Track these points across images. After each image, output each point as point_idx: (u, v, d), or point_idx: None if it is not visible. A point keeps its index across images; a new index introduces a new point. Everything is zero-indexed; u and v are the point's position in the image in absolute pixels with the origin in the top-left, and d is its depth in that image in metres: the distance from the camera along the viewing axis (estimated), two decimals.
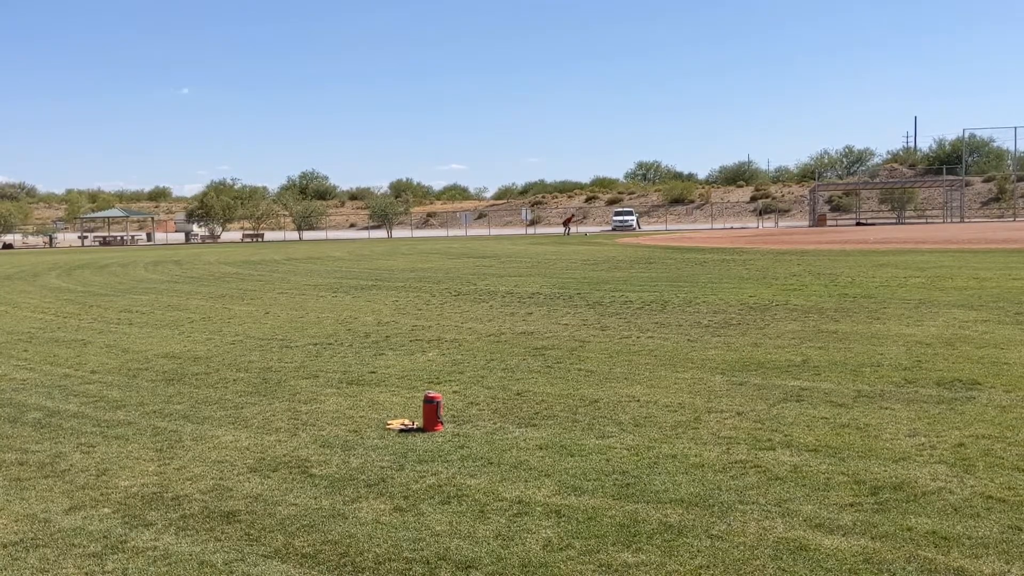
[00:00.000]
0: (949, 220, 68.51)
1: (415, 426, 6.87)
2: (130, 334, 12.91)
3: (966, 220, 67.00)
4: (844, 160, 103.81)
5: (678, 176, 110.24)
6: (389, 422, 7.06)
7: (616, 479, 5.48)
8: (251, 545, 4.59)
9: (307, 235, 71.65)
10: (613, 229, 68.00)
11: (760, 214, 76.80)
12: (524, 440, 6.44)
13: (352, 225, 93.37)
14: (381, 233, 74.29)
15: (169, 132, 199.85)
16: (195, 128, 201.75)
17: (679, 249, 33.71)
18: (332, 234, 74.82)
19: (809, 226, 66.15)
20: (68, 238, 75.48)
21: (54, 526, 4.96)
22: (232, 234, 76.61)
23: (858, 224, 67.31)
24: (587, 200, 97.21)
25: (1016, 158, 78.10)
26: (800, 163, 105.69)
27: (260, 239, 67.11)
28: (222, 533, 4.77)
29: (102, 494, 5.49)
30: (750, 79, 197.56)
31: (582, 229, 71.86)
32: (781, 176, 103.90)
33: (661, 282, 19.02)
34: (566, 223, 62.76)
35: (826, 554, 4.26)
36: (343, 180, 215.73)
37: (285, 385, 8.74)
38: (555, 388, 8.20)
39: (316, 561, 4.37)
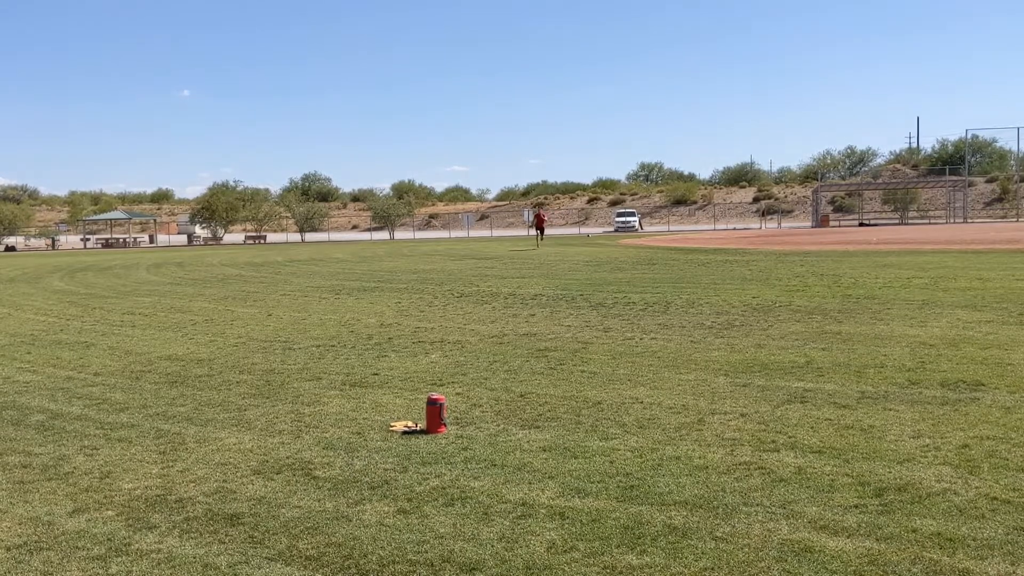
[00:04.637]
0: (952, 221, 68.44)
1: (418, 428, 6.86)
2: (133, 336, 12.92)
3: (969, 221, 66.93)
4: (847, 161, 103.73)
5: (680, 177, 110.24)
6: (392, 424, 7.05)
7: (620, 481, 5.47)
8: (255, 547, 4.59)
9: (309, 237, 71.72)
10: (615, 230, 68.01)
11: (763, 215, 76.78)
12: (527, 442, 6.43)
13: (354, 227, 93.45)
14: (383, 235, 74.33)
15: (171, 134, 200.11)
16: (197, 130, 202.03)
17: (682, 250, 33.69)
18: (334, 236, 74.87)
19: (812, 227, 66.12)
20: (70, 240, 75.59)
21: (58, 529, 4.96)
22: (234, 236, 76.69)
23: (861, 225, 67.27)
24: (589, 201, 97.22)
25: (1019, 159, 78.05)
26: (803, 164, 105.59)
27: (262, 241, 67.19)
28: (226, 535, 4.77)
29: (106, 496, 5.49)
30: (752, 79, 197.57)
31: (584, 230, 71.75)
32: (784, 177, 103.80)
33: (664, 283, 19.00)
34: (539, 225, 43.91)
35: (831, 556, 4.25)
36: (345, 182, 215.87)
37: (288, 387, 8.73)
38: (558, 390, 8.20)
39: (320, 563, 4.36)
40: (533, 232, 43.24)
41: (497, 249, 40.13)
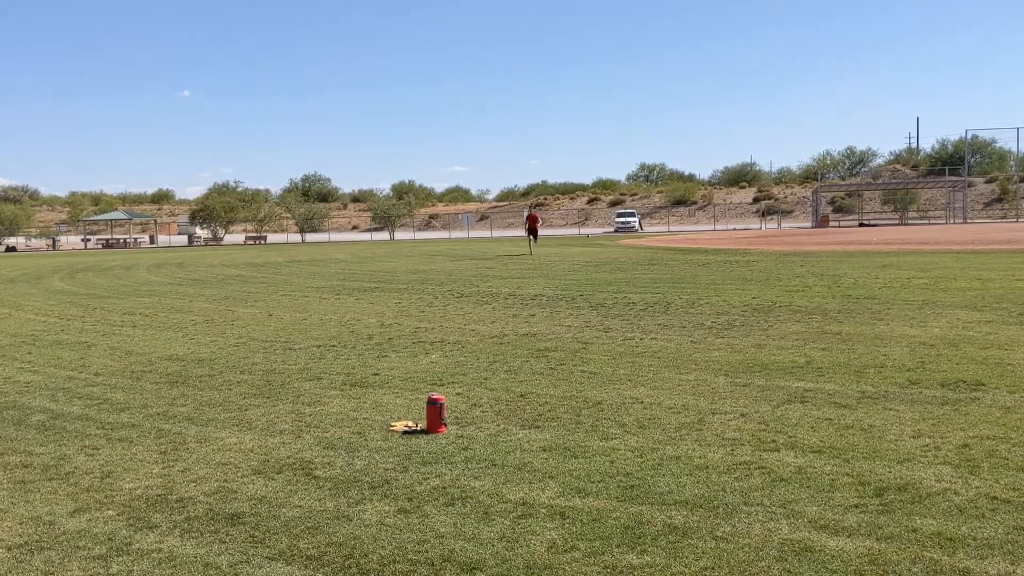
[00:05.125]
0: (952, 221, 68.45)
1: (419, 428, 6.87)
2: (134, 336, 12.92)
3: (969, 221, 66.94)
4: (846, 161, 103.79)
5: (680, 177, 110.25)
6: (393, 424, 7.06)
7: (620, 481, 5.47)
8: (256, 547, 4.59)
9: (310, 237, 71.72)
10: (615, 230, 68.02)
11: (763, 215, 76.80)
12: (528, 442, 6.43)
13: (354, 227, 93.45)
14: (383, 235, 74.33)
15: (171, 134, 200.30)
16: (197, 131, 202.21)
17: (682, 250, 33.70)
18: (335, 236, 74.87)
19: (812, 227, 66.14)
20: (71, 241, 75.64)
21: (59, 528, 4.96)
22: (235, 236, 76.71)
23: (861, 225, 67.28)
24: (589, 202, 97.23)
25: (1019, 159, 78.06)
26: (802, 164, 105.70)
27: (263, 241, 67.20)
28: (227, 535, 4.77)
29: (107, 496, 5.50)
30: (752, 80, 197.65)
31: (584, 231, 71.74)
32: (783, 177, 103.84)
33: (664, 283, 19.01)
34: (532, 227, 36.91)
35: (831, 555, 4.26)
36: (345, 182, 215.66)
37: (289, 387, 8.74)
38: (558, 390, 8.20)
39: (321, 563, 4.37)
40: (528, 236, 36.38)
41: (497, 250, 40.15)
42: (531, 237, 36.02)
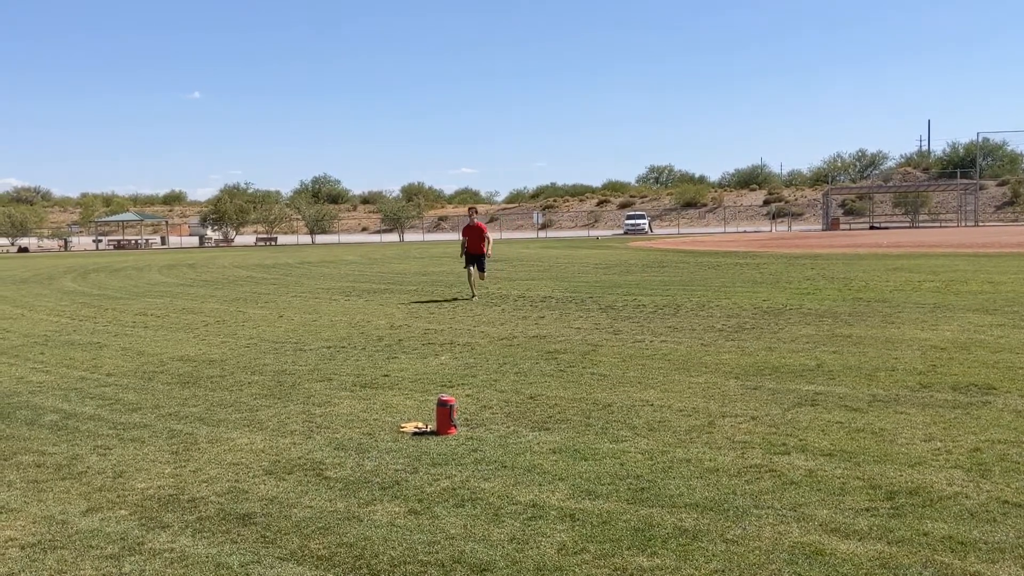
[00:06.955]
0: (963, 224, 68.13)
1: (428, 429, 6.88)
2: (145, 337, 12.98)
3: (980, 224, 66.59)
4: (857, 164, 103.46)
5: (690, 179, 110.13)
6: (403, 425, 7.07)
7: (630, 483, 5.47)
8: (267, 547, 4.61)
9: (320, 239, 71.89)
10: (625, 232, 67.97)
11: (773, 218, 76.64)
12: (538, 444, 6.44)
13: (364, 229, 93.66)
14: (393, 237, 74.46)
15: (182, 136, 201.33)
16: (208, 132, 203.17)
17: (692, 253, 33.64)
18: (344, 238, 75.02)
19: (822, 230, 65.92)
20: (83, 242, 76.04)
21: (71, 528, 4.99)
22: (245, 238, 76.97)
23: (872, 228, 67.04)
24: (599, 203, 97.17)
25: None
26: (813, 167, 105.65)
27: (273, 243, 67.42)
28: (238, 535, 4.79)
29: (119, 496, 5.53)
30: (763, 82, 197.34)
31: (594, 233, 71.60)
32: (794, 180, 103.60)
33: (674, 286, 18.98)
34: (474, 246, 17.89)
35: (842, 559, 4.25)
36: (355, 184, 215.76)
37: (299, 388, 8.77)
38: (568, 392, 8.20)
39: (331, 563, 4.38)
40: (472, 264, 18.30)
41: (506, 251, 40.17)
42: (472, 266, 18.21)
